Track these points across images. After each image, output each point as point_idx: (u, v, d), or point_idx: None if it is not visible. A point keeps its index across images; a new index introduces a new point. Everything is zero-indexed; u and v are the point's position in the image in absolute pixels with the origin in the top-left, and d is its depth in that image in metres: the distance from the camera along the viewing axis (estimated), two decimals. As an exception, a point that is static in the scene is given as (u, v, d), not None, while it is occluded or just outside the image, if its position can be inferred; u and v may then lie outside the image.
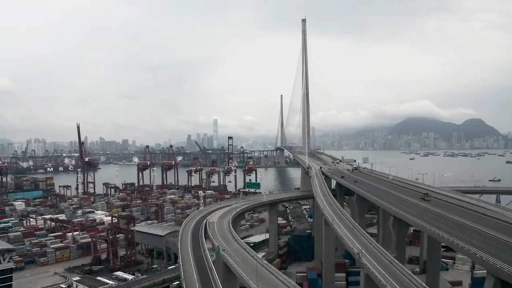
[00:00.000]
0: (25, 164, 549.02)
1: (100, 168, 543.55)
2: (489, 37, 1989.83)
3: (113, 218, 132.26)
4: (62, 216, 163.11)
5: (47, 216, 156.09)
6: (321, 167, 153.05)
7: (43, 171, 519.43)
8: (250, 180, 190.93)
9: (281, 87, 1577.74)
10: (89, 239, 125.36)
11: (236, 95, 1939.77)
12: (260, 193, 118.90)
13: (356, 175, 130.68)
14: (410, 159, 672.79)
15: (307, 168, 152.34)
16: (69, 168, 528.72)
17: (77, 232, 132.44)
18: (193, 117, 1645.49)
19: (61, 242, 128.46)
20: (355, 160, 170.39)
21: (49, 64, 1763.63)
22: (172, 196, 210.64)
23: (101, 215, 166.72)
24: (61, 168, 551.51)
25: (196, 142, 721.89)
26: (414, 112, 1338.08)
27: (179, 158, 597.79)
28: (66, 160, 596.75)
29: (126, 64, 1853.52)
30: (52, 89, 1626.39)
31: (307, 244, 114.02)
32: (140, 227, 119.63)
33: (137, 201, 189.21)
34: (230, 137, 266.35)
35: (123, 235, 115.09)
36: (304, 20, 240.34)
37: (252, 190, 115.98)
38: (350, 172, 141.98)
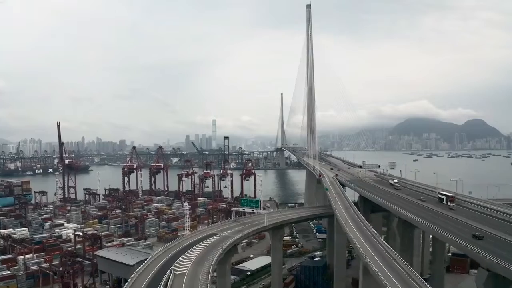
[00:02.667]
0: (12, 166, 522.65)
1: (92, 170, 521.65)
2: (488, 35, 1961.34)
3: (76, 237, 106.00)
4: (24, 231, 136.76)
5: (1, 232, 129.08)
6: (336, 175, 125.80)
7: (31, 173, 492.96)
8: (245, 195, 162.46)
9: (280, 86, 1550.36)
10: (46, 265, 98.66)
11: (234, 95, 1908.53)
12: (259, 202, 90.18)
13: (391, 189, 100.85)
14: (414, 160, 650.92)
15: (319, 175, 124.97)
16: (60, 170, 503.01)
17: (30, 255, 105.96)
18: (192, 118, 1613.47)
19: (9, 268, 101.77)
20: (379, 166, 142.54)
21: (44, 64, 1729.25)
22: (159, 204, 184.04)
23: (71, 229, 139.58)
24: (50, 170, 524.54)
25: (192, 142, 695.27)
26: (413, 113, 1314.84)
27: (175, 160, 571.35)
28: (56, 162, 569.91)
29: (122, 63, 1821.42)
30: (47, 89, 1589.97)
31: (322, 278, 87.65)
32: (106, 251, 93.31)
33: (117, 211, 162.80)
34: (226, 137, 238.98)
35: (83, 262, 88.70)
36: (308, 6, 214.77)
37: (249, 209, 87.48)
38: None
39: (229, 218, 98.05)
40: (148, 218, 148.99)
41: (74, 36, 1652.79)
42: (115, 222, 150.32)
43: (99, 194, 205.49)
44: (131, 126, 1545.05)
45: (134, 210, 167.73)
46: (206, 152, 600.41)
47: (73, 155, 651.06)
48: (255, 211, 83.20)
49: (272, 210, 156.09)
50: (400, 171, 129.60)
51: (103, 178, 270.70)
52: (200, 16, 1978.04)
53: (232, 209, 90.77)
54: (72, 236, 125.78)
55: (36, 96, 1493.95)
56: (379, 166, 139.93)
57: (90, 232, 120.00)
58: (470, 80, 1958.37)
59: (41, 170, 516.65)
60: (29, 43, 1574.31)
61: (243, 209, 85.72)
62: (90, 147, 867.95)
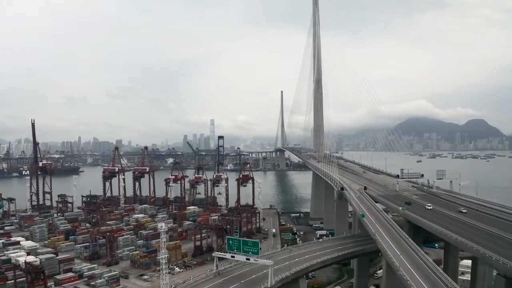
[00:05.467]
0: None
1: (82, 171, 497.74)
2: (488, 34, 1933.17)
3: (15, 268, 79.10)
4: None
5: None
6: (365, 187, 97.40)
7: (18, 174, 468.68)
8: (240, 211, 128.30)
9: (280, 85, 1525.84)
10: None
11: (233, 95, 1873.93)
12: (258, 244, 59.82)
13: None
14: (417, 161, 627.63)
15: (341, 189, 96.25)
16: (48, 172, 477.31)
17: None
18: (189, 118, 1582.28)
19: None
20: (422, 175, 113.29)
21: (41, 63, 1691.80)
22: (141, 215, 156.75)
23: (26, 250, 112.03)
24: (39, 172, 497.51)
25: (188, 142, 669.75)
26: (414, 113, 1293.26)
27: (170, 160, 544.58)
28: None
29: (118, 62, 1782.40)
30: (44, 88, 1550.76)
31: None
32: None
33: (86, 225, 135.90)
34: (220, 137, 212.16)
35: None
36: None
37: (242, 256, 54.72)
38: None
39: (212, 270, 67.41)
40: (122, 236, 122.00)
41: (70, 34, 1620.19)
42: (83, 239, 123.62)
43: (71, 203, 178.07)
44: (129, 126, 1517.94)
45: (110, 222, 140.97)
46: (202, 153, 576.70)
47: (63, 155, 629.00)
48: (251, 259, 52.52)
49: (273, 230, 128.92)
50: (451, 181, 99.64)
51: (91, 181, 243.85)
52: (199, 15, 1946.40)
53: (214, 254, 60.85)
54: (21, 260, 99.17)
55: (32, 95, 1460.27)
56: (422, 175, 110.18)
57: (44, 257, 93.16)
58: (470, 80, 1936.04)
59: (28, 172, 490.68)
60: (25, 42, 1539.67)
61: (232, 256, 54.77)
62: (86, 147, 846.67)
